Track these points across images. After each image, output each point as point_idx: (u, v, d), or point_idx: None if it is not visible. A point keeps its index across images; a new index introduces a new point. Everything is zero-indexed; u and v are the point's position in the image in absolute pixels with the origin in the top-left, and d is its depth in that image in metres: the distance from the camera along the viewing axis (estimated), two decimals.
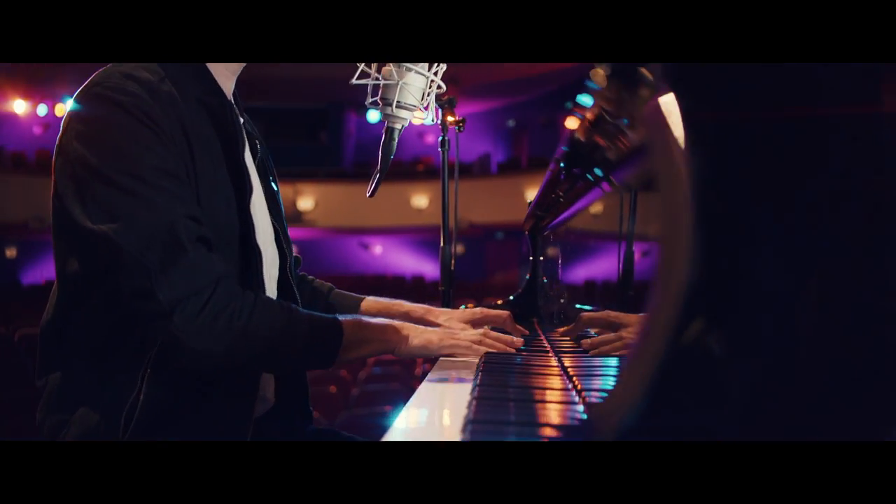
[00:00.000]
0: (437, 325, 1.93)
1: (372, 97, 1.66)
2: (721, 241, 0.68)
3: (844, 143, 0.69)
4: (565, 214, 2.01)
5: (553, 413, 1.13)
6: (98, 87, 1.45)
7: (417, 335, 1.64)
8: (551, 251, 2.48)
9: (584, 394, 1.14)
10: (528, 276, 2.64)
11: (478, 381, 1.28)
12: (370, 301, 2.06)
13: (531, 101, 20.85)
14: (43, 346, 1.56)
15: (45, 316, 1.56)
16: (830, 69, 0.71)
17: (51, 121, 19.32)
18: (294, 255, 2.01)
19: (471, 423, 0.99)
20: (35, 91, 18.57)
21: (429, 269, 20.34)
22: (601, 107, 1.01)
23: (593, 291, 1.71)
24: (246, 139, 1.68)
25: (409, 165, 20.69)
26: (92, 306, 1.49)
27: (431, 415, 1.15)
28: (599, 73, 0.96)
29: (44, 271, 17.65)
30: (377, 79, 1.63)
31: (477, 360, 1.59)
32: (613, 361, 1.49)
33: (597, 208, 1.67)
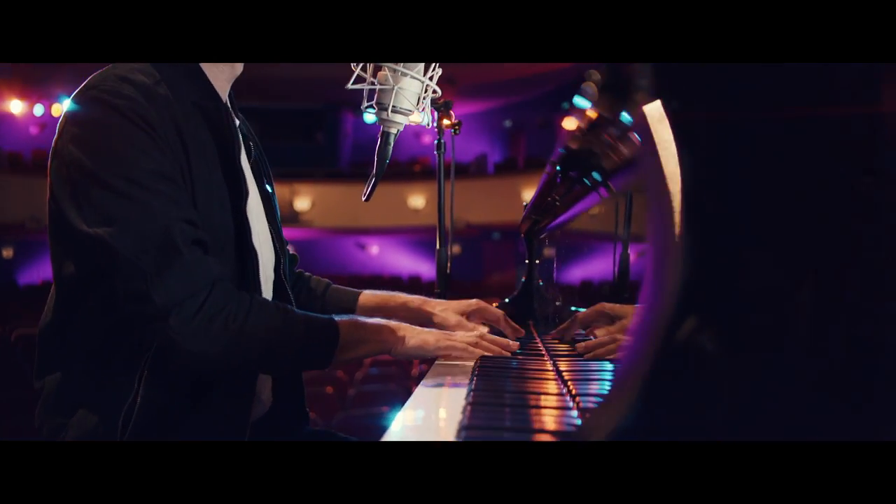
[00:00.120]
0: (433, 314, 1.94)
1: (367, 101, 1.66)
2: (716, 240, 0.68)
3: (844, 143, 0.70)
4: (562, 218, 2.01)
5: (548, 419, 1.13)
6: (94, 90, 1.45)
7: (414, 336, 1.64)
8: (547, 254, 2.49)
9: (578, 399, 1.15)
10: (523, 279, 2.64)
11: (473, 386, 1.28)
12: (367, 294, 2.06)
13: (528, 102, 20.84)
14: (41, 349, 1.57)
15: (43, 318, 1.57)
16: (830, 69, 0.71)
17: (47, 121, 19.25)
18: (291, 252, 2.01)
19: (465, 428, 0.99)
20: (32, 91, 18.53)
21: (425, 269, 20.32)
22: (596, 115, 1.01)
23: (590, 291, 1.71)
24: (241, 142, 1.68)
25: (406, 166, 20.68)
26: (89, 309, 1.49)
27: (427, 420, 1.15)
28: (592, 85, 0.96)
29: (40, 272, 17.62)
30: (373, 83, 1.63)
31: (472, 364, 1.59)
32: (608, 365, 1.49)
33: (593, 209, 1.68)
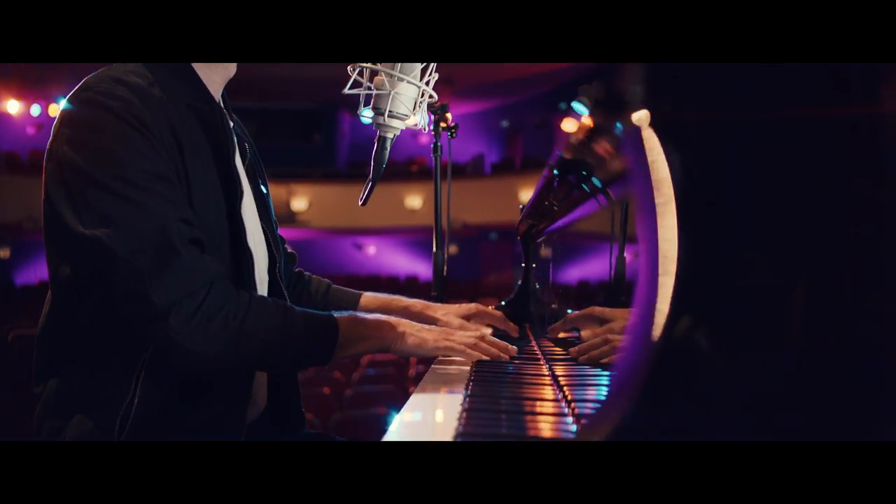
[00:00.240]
0: (436, 319, 1.96)
1: (364, 106, 1.66)
2: (713, 240, 0.68)
3: (843, 143, 0.70)
4: (559, 224, 2.01)
5: (544, 425, 1.13)
6: (88, 91, 1.45)
7: (413, 333, 1.64)
8: (543, 256, 2.49)
9: (574, 405, 1.15)
10: (520, 282, 2.65)
11: (468, 392, 1.29)
12: (369, 297, 2.07)
13: (525, 102, 20.84)
14: (39, 353, 1.57)
15: (41, 322, 1.57)
16: (830, 69, 0.71)
17: (44, 121, 19.23)
18: (290, 251, 2.02)
19: (461, 436, 0.99)
20: (29, 91, 18.51)
21: (422, 269, 20.31)
22: (591, 124, 1.02)
23: (587, 291, 1.71)
24: (235, 143, 1.69)
25: (403, 166, 20.67)
26: (86, 311, 1.49)
27: (423, 426, 1.15)
28: (585, 101, 0.96)
29: (37, 272, 17.61)
30: (369, 88, 1.64)
31: (468, 368, 1.59)
32: (604, 369, 1.49)
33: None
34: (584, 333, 1.64)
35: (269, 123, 20.93)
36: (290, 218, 19.20)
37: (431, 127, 2.50)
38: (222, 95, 1.69)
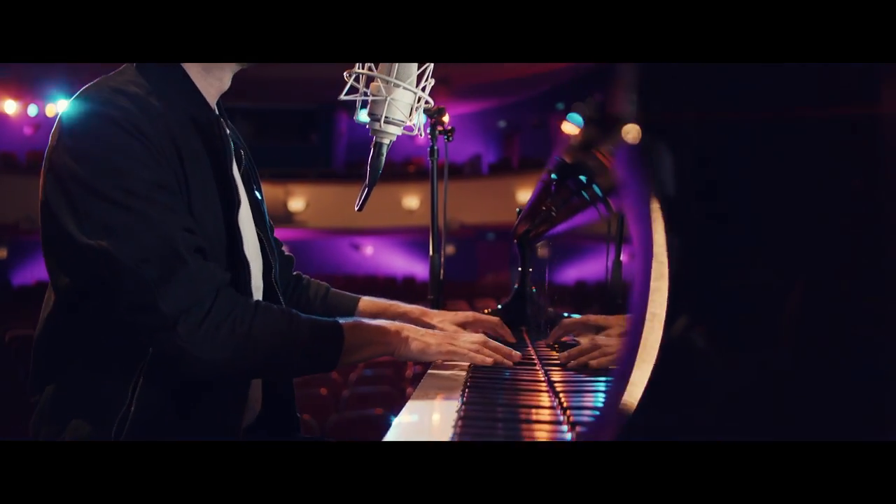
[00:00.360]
0: (433, 326, 1.96)
1: (360, 111, 1.66)
2: (710, 240, 0.68)
3: (842, 143, 0.70)
4: (556, 230, 2.01)
5: (539, 434, 1.14)
6: (88, 101, 1.45)
7: (417, 338, 1.64)
8: (540, 260, 2.49)
9: (569, 412, 1.15)
10: (516, 286, 2.65)
11: (464, 399, 1.29)
12: (367, 301, 2.08)
13: (522, 102, 20.83)
14: (36, 360, 1.57)
15: (38, 329, 1.57)
16: (829, 69, 0.71)
17: (41, 121, 19.19)
18: (286, 255, 2.02)
19: None
20: (26, 91, 18.48)
21: (420, 269, 20.29)
22: (585, 138, 1.02)
23: (584, 292, 1.71)
24: (233, 151, 1.69)
25: (401, 166, 20.66)
26: (85, 319, 1.50)
27: (418, 433, 1.15)
28: (577, 117, 0.96)
29: (34, 272, 17.56)
30: (365, 94, 1.64)
31: (464, 374, 1.60)
32: (600, 374, 1.50)
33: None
34: (581, 341, 1.64)
35: (266, 123, 20.94)
36: (288, 218, 19.18)
37: (428, 130, 2.50)
38: (217, 103, 1.69)
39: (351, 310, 2.04)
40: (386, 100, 1.62)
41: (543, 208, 2.02)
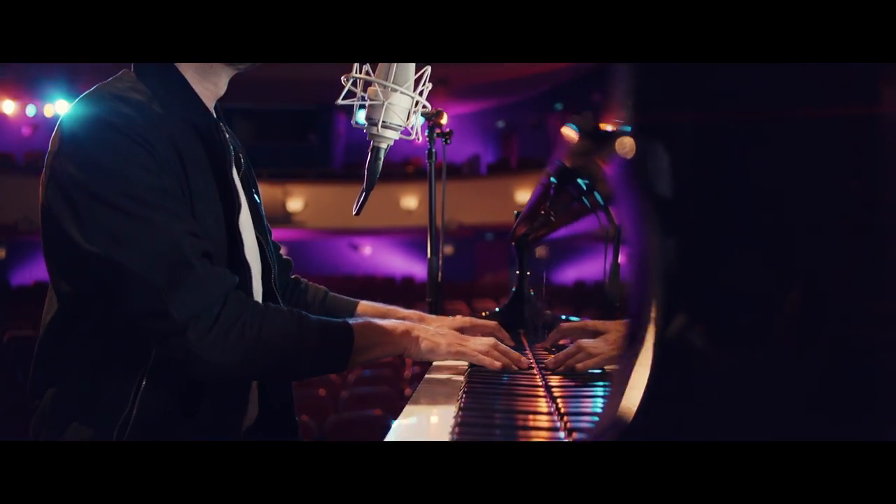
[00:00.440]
0: None
1: (357, 115, 1.67)
2: (708, 240, 0.68)
3: (841, 143, 0.70)
4: (555, 236, 2.01)
5: (536, 440, 1.14)
6: (89, 109, 1.45)
7: (427, 338, 1.65)
8: (538, 262, 2.49)
9: (567, 419, 1.15)
10: (514, 289, 2.64)
11: (461, 405, 1.29)
12: (366, 305, 2.08)
13: (521, 103, 20.83)
14: (37, 365, 1.57)
15: (41, 333, 1.57)
16: (828, 69, 0.71)
17: (40, 122, 19.18)
18: (285, 257, 2.02)
19: None
20: (24, 91, 18.46)
21: (418, 269, 20.30)
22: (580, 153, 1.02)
23: (583, 293, 1.71)
24: (232, 156, 1.69)
25: (399, 167, 20.64)
26: (89, 325, 1.50)
27: (415, 439, 1.15)
28: (571, 132, 0.96)
29: (32, 272, 17.55)
30: (363, 98, 1.64)
31: (462, 379, 1.60)
32: (597, 379, 1.50)
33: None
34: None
35: (264, 124, 20.93)
36: (286, 218, 19.17)
37: (426, 133, 2.50)
38: (215, 107, 1.69)
39: (349, 314, 2.04)
40: (383, 104, 1.63)
41: (542, 212, 2.02)
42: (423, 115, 1.80)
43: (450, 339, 1.67)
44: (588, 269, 1.66)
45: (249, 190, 1.78)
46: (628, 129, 0.70)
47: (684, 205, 0.68)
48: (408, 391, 6.29)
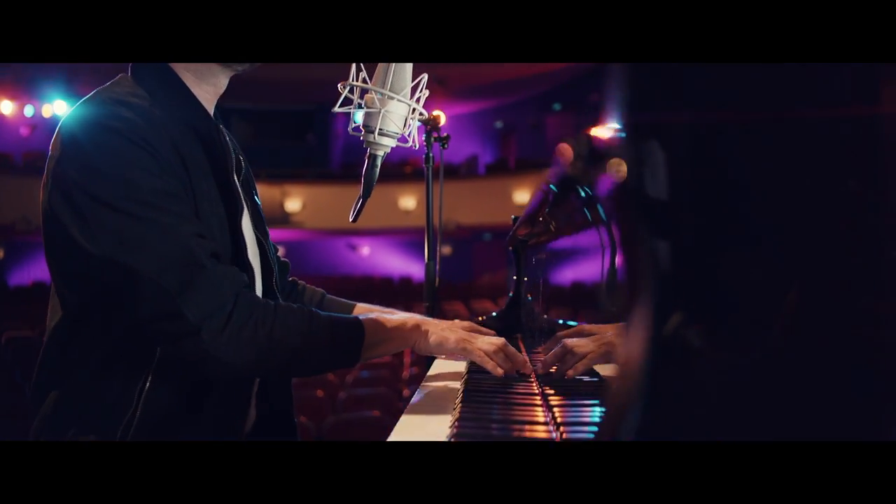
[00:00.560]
0: None
1: (354, 122, 1.67)
2: (710, 240, 0.68)
3: (843, 143, 0.70)
4: (554, 245, 2.00)
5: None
6: (90, 114, 1.45)
7: (436, 332, 1.67)
8: (535, 267, 2.49)
9: (563, 429, 1.15)
10: (511, 294, 2.64)
11: (457, 414, 1.29)
12: (363, 307, 2.08)
13: (519, 103, 20.84)
14: (41, 370, 1.57)
15: (45, 339, 1.57)
16: (830, 69, 0.71)
17: (38, 122, 19.17)
18: (282, 260, 2.03)
19: None
20: (22, 92, 18.44)
21: (416, 270, 20.28)
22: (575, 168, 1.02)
23: (581, 294, 1.70)
24: (233, 158, 1.69)
25: (397, 167, 20.64)
26: (95, 329, 1.50)
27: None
28: (566, 149, 0.97)
29: (30, 273, 17.55)
30: (359, 106, 1.64)
31: (460, 385, 1.60)
32: (594, 388, 1.50)
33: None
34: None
35: (263, 124, 20.94)
36: (284, 219, 19.16)
37: (423, 137, 2.50)
38: (214, 111, 1.70)
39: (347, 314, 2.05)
40: (380, 112, 1.63)
41: (541, 219, 2.02)
42: (419, 119, 1.81)
43: (459, 335, 1.68)
44: (585, 269, 1.66)
45: (249, 192, 1.78)
46: (623, 134, 0.70)
47: (681, 205, 0.68)
48: (406, 392, 6.29)
